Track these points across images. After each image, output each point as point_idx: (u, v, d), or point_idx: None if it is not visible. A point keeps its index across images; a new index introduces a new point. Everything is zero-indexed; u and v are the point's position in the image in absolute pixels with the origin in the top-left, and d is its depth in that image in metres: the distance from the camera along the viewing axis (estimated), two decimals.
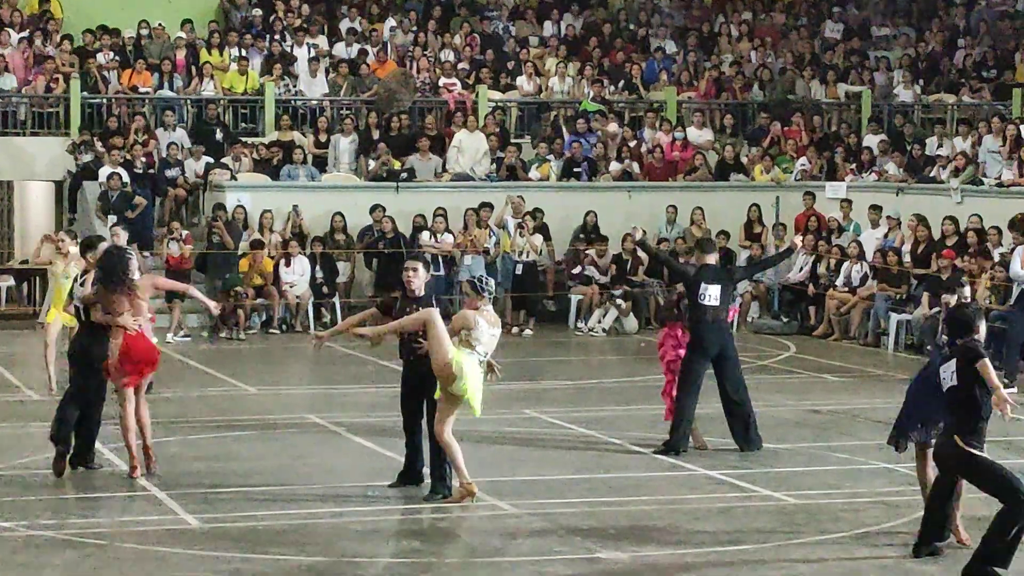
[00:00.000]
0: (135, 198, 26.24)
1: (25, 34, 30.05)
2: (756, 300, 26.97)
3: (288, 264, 25.96)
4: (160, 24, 30.92)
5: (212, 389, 19.97)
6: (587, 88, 30.87)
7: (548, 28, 33.63)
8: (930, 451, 11.71)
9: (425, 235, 26.32)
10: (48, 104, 28.80)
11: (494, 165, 28.52)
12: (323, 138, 28.87)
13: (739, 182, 29.27)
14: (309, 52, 30.64)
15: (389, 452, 14.84)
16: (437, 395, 13.00)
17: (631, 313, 26.30)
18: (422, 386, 13.34)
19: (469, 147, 28.47)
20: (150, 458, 14.26)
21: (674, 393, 15.64)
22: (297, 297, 25.94)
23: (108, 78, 29.44)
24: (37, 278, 26.83)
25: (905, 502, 13.17)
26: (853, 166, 28.90)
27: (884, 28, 35.03)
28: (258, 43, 30.86)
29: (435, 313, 12.87)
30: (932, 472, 11.73)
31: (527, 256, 26.56)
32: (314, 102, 29.94)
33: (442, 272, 25.36)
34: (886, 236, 26.05)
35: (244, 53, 30.30)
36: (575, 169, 28.73)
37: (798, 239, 19.74)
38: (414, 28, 32.31)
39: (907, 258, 24.95)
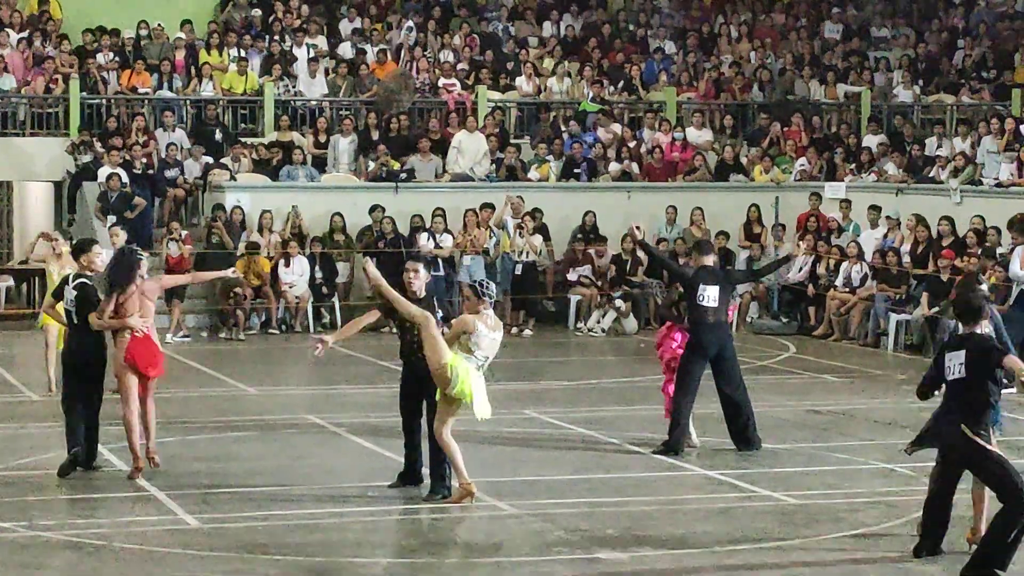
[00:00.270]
0: (134, 199, 26.23)
1: (24, 35, 30.05)
2: (756, 300, 26.96)
3: (287, 265, 25.97)
4: (159, 25, 30.93)
5: (211, 390, 19.97)
6: (586, 89, 30.88)
7: (547, 29, 33.63)
8: None
9: (423, 236, 26.32)
10: (47, 104, 28.80)
11: (493, 165, 28.52)
12: (322, 138, 28.87)
13: (738, 183, 29.27)
14: (308, 52, 30.65)
15: (389, 452, 14.84)
16: (438, 396, 13.02)
17: (631, 314, 26.30)
18: (421, 386, 13.35)
19: (469, 148, 28.47)
20: (152, 460, 14.29)
21: (672, 392, 15.66)
22: (296, 298, 25.94)
23: (107, 79, 29.44)
24: (36, 279, 26.81)
25: (904, 502, 13.16)
26: (852, 166, 28.91)
27: (884, 29, 35.04)
28: (257, 43, 30.86)
29: (431, 319, 12.89)
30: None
31: (526, 256, 26.57)
32: (313, 102, 29.94)
33: (442, 272, 25.36)
34: (885, 236, 26.05)
35: (243, 54, 30.31)
36: (575, 170, 28.74)
37: (796, 246, 19.73)
38: (423, 30, 32.31)
39: (906, 258, 24.96)
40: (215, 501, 13.27)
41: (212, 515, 12.74)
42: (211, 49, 30.49)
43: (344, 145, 28.50)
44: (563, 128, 29.86)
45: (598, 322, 26.28)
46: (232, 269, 16.63)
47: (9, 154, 28.42)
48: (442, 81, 30.43)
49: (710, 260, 15.99)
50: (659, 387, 16.33)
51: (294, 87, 30.02)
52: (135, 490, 13.70)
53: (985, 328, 11.34)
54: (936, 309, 22.87)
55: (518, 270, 26.44)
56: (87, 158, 27.46)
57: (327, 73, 30.30)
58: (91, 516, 12.88)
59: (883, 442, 16.24)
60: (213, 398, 19.25)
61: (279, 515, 12.78)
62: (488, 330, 12.96)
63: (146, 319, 14.07)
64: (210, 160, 27.82)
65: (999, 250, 23.20)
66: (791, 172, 29.41)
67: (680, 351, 15.63)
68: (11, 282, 28.16)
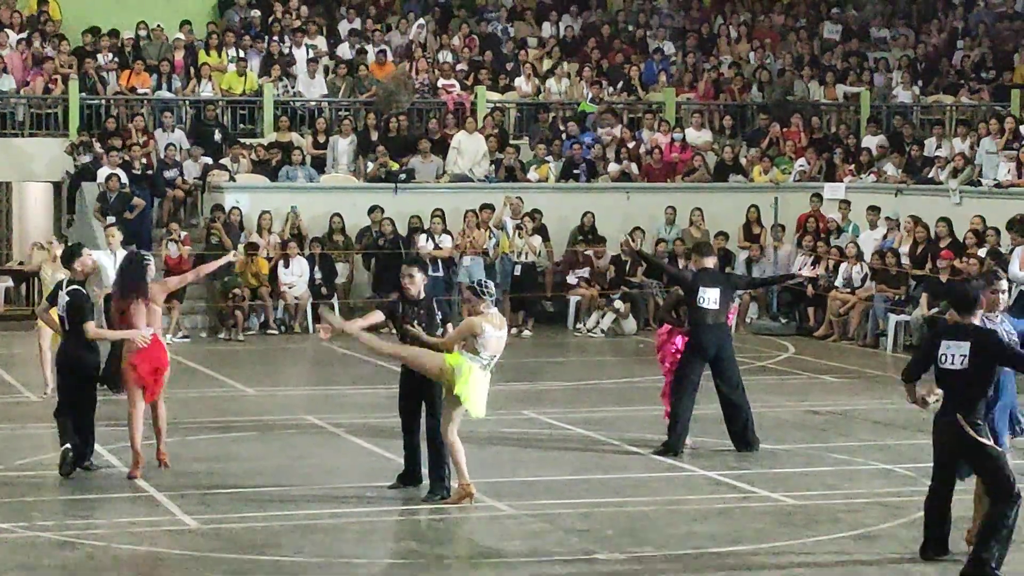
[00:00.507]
0: (133, 199, 26.21)
1: (23, 35, 30.04)
2: (755, 301, 26.97)
3: (287, 265, 25.97)
4: (158, 25, 30.92)
5: (211, 390, 19.97)
6: (586, 89, 30.88)
7: (547, 29, 33.63)
8: None
9: (422, 238, 26.32)
10: (47, 105, 28.78)
11: (493, 166, 28.52)
12: (322, 139, 28.86)
13: (738, 183, 29.27)
14: (308, 53, 30.64)
15: (388, 453, 14.84)
16: (444, 396, 13.05)
17: (630, 315, 26.30)
18: (421, 387, 13.35)
19: (468, 148, 28.46)
20: (163, 461, 14.37)
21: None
22: (296, 298, 25.94)
23: (106, 79, 29.43)
24: (35, 279, 26.82)
25: (903, 503, 13.16)
26: (852, 167, 28.90)
27: (883, 29, 35.04)
28: (256, 44, 30.85)
29: (460, 329, 13.03)
30: None
31: (526, 257, 26.57)
32: (313, 103, 29.94)
33: (441, 273, 25.37)
34: (885, 237, 26.05)
35: (242, 54, 30.30)
36: (574, 170, 28.74)
37: (804, 271, 19.75)
38: (431, 29, 32.30)
39: (905, 259, 24.96)
40: (214, 502, 13.27)
41: (211, 516, 12.73)
42: (210, 50, 30.48)
43: (343, 146, 28.49)
44: (562, 129, 29.85)
45: (597, 323, 26.28)
46: (234, 253, 16.68)
47: (8, 155, 28.41)
48: (441, 82, 30.43)
49: (710, 262, 16.00)
50: (659, 389, 16.32)
51: (293, 88, 30.02)
52: (134, 491, 13.70)
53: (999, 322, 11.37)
54: (935, 309, 22.87)
55: (517, 271, 26.45)
56: (86, 159, 27.45)
57: (326, 74, 30.31)
58: (90, 517, 12.88)
59: (882, 442, 16.25)
60: (212, 399, 19.25)
61: (278, 516, 12.78)
62: (494, 329, 12.94)
63: (152, 326, 14.10)
64: (209, 161, 27.82)
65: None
66: (790, 173, 29.41)
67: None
68: (10, 283, 28.17)
